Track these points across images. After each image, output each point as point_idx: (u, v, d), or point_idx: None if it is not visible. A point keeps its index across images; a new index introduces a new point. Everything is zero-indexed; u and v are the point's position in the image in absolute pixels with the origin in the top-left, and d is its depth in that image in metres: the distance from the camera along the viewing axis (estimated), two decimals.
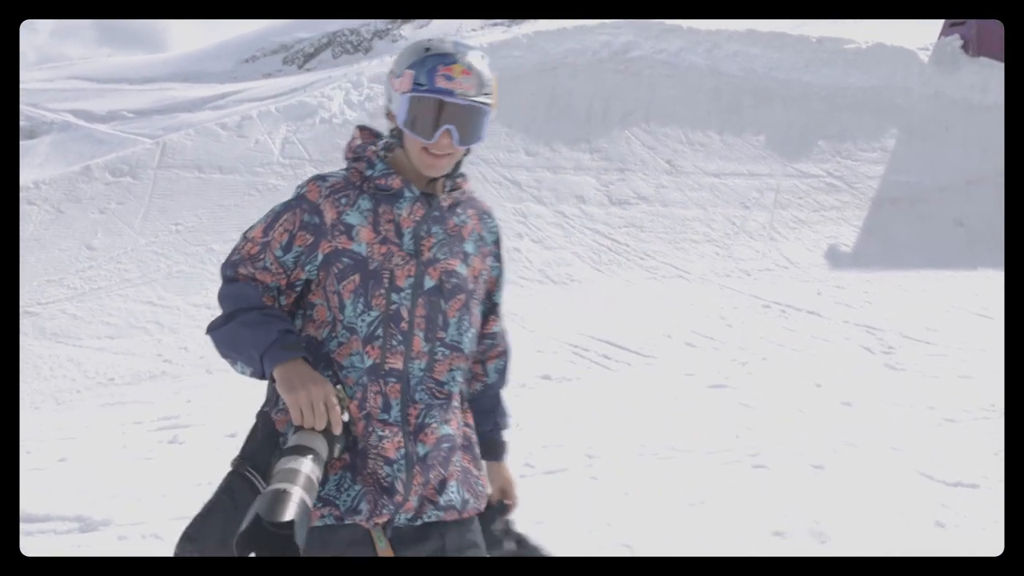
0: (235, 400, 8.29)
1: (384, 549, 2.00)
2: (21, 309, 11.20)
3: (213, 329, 2.05)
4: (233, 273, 2.08)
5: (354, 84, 16.97)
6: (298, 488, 1.72)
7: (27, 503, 5.52)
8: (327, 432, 1.88)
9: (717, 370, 8.62)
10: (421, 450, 2.05)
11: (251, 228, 2.12)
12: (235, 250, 2.12)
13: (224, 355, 2.06)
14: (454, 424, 2.14)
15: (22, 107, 64.37)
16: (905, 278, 12.93)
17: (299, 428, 1.87)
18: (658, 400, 7.53)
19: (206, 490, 5.31)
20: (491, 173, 15.14)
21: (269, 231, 2.07)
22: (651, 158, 16.27)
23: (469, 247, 2.16)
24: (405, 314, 2.03)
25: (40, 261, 12.44)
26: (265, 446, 1.99)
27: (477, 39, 25.76)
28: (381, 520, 2.00)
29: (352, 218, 2.03)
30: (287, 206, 2.08)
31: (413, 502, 2.03)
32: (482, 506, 2.20)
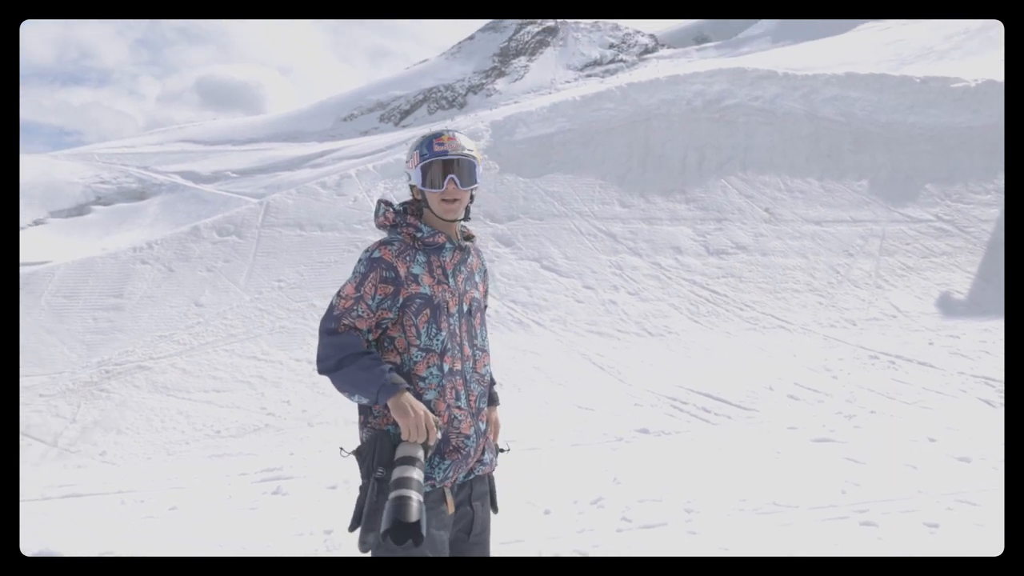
0: (334, 453, 8.42)
1: (450, 502, 2.85)
2: (136, 363, 11.70)
3: (329, 371, 2.78)
4: (336, 326, 2.79)
5: None
6: (414, 492, 2.56)
7: (139, 547, 5.73)
8: (424, 443, 2.71)
9: (822, 423, 8.31)
10: (481, 427, 2.99)
11: (342, 288, 2.84)
12: (332, 308, 2.83)
13: (342, 390, 2.80)
14: None
15: (134, 170, 68.21)
16: None
17: (405, 442, 2.68)
18: (760, 454, 7.29)
19: (308, 540, 5.38)
20: (585, 226, 15.13)
21: (360, 288, 2.80)
22: (749, 207, 16.00)
23: (477, 278, 3.07)
24: (457, 331, 2.91)
25: (152, 318, 12.99)
26: (387, 447, 2.74)
27: (570, 91, 26.00)
28: (452, 480, 2.86)
29: (416, 269, 2.84)
30: (369, 267, 2.81)
31: (473, 465, 2.95)
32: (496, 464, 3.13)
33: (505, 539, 5.27)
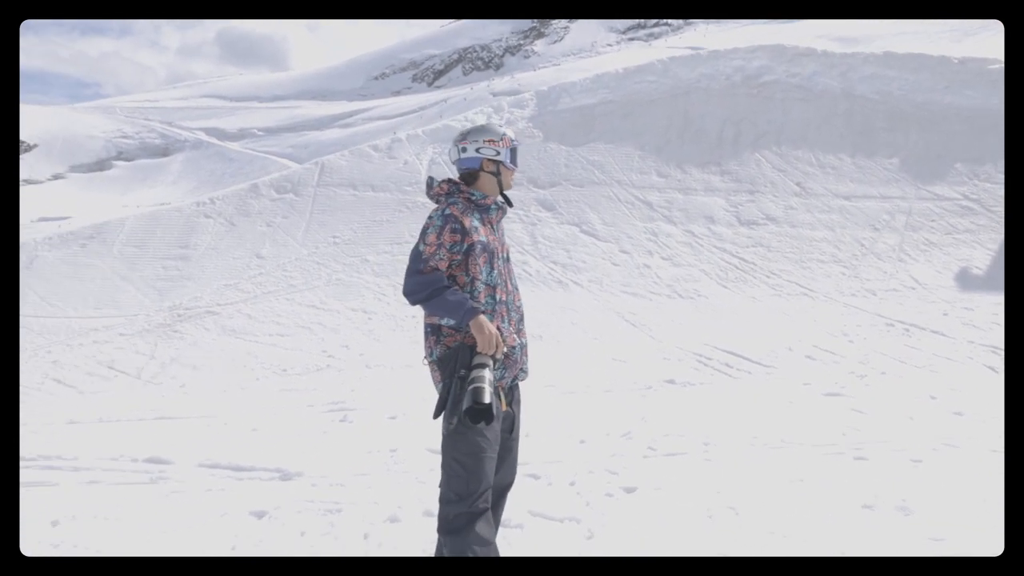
0: (391, 391, 9.39)
1: (504, 402, 3.63)
2: (205, 309, 12.74)
3: (422, 301, 3.58)
4: (423, 267, 3.60)
5: (496, 109, 18.09)
6: (487, 385, 3.38)
7: (233, 458, 6.71)
8: (494, 356, 3.55)
9: (834, 381, 9.11)
10: (523, 340, 3.83)
11: (424, 238, 3.63)
12: (420, 253, 3.61)
13: (433, 314, 3.62)
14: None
15: (157, 125, 66.16)
16: None
17: (479, 353, 3.51)
18: (774, 403, 8.13)
19: (376, 457, 6.39)
20: (623, 194, 15.91)
21: (440, 237, 3.60)
22: (781, 180, 16.66)
23: (505, 233, 4.19)
24: (503, 271, 3.77)
25: (217, 267, 14.02)
26: (467, 355, 3.55)
27: (612, 60, 26.57)
28: (506, 382, 3.72)
29: (475, 223, 3.68)
30: (444, 221, 3.61)
31: (516, 372, 3.78)
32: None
33: (547, 459, 6.15)
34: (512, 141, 3.92)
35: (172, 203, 18.33)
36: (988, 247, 15.08)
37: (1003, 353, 10.18)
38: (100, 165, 60.66)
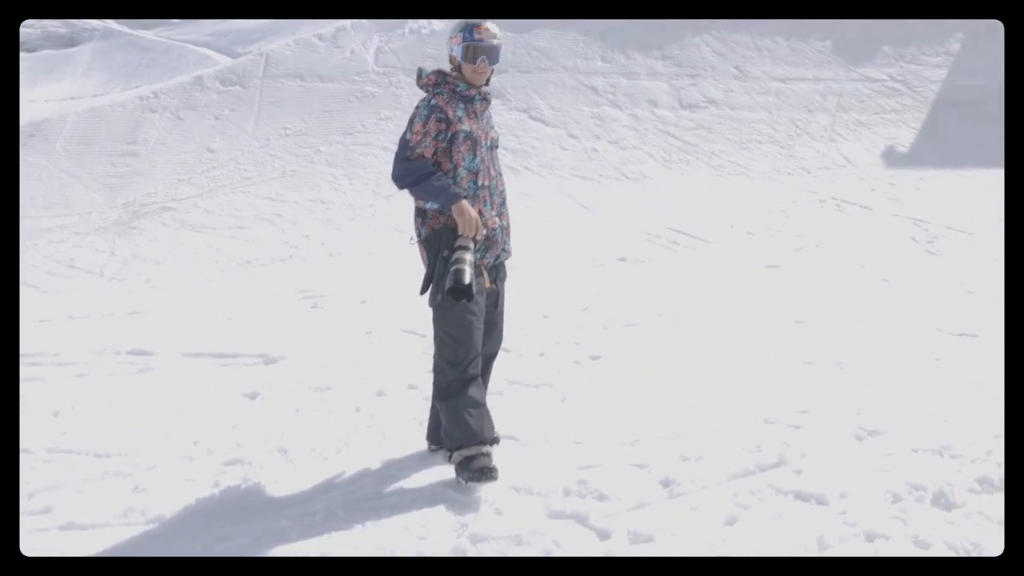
0: (356, 278, 9.81)
1: (487, 278, 3.97)
2: (161, 204, 12.86)
3: (409, 185, 3.86)
4: (410, 154, 3.86)
5: None
6: (468, 266, 3.67)
7: (215, 346, 7.06)
8: (474, 238, 3.81)
9: (773, 254, 9.80)
10: (504, 223, 4.11)
11: (411, 126, 3.88)
12: (407, 142, 3.86)
13: (419, 197, 3.89)
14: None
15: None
16: (958, 176, 13.74)
17: (461, 236, 3.76)
18: (719, 276, 8.78)
19: (353, 339, 6.82)
20: (569, 79, 16.18)
21: (426, 125, 3.86)
22: (720, 64, 17.07)
23: (491, 121, 4.15)
24: (485, 158, 4.01)
25: (168, 163, 14.05)
26: (450, 236, 3.81)
27: None
28: (488, 261, 4.01)
29: (459, 112, 3.92)
30: (429, 111, 3.86)
31: (499, 252, 4.07)
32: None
33: (515, 334, 6.65)
34: (467, 37, 3.95)
35: (84, 97, 17.90)
36: (912, 126, 15.85)
37: (923, 224, 10.97)
38: None
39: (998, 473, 3.49)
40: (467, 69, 3.96)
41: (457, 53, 3.97)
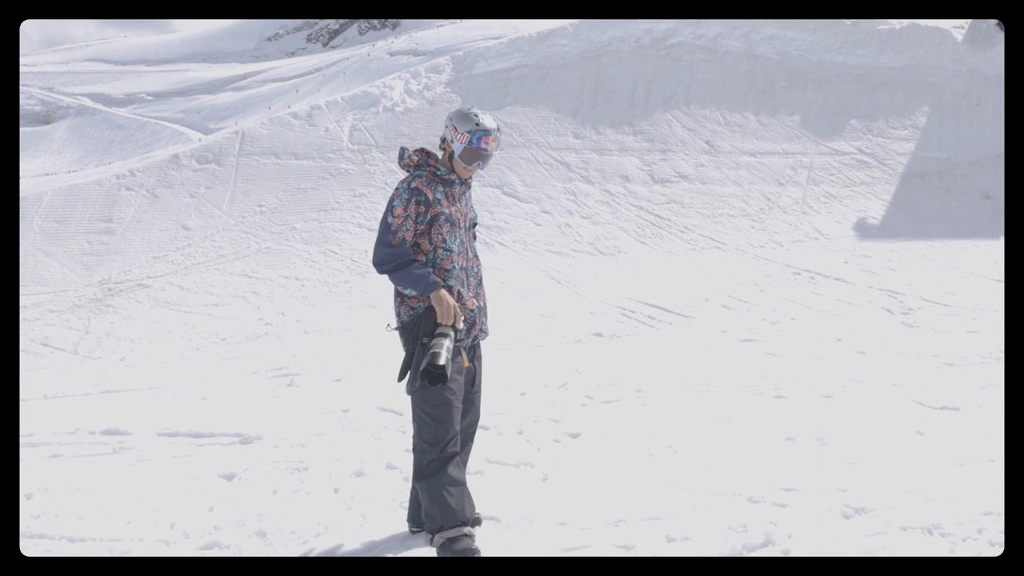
0: (332, 355, 9.71)
1: (465, 358, 4.02)
2: (136, 282, 12.76)
3: (389, 272, 3.89)
4: (392, 239, 3.91)
5: (413, 75, 18.26)
6: (445, 352, 3.70)
7: (191, 425, 6.95)
8: (453, 326, 3.83)
9: (749, 327, 9.84)
10: (481, 303, 4.18)
11: (392, 210, 3.91)
12: (389, 225, 3.91)
13: (400, 284, 3.93)
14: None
15: (36, 91, 61.56)
16: (930, 247, 13.97)
17: (440, 324, 3.81)
18: (696, 350, 8.78)
19: (329, 418, 6.73)
20: (542, 155, 16.38)
21: (406, 209, 3.92)
22: (691, 139, 17.39)
23: (469, 203, 4.23)
24: (463, 240, 4.09)
25: (144, 240, 13.98)
26: (429, 322, 3.87)
27: (524, 26, 26.84)
28: (466, 342, 4.05)
29: (439, 195, 3.99)
30: (410, 194, 3.92)
31: (476, 332, 4.14)
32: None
33: (493, 411, 6.62)
34: (474, 142, 3.97)
35: (58, 173, 17.86)
36: (882, 198, 16.16)
37: (899, 296, 11.09)
38: None
39: (992, 552, 3.45)
40: (459, 165, 4.02)
41: (456, 149, 4.00)
